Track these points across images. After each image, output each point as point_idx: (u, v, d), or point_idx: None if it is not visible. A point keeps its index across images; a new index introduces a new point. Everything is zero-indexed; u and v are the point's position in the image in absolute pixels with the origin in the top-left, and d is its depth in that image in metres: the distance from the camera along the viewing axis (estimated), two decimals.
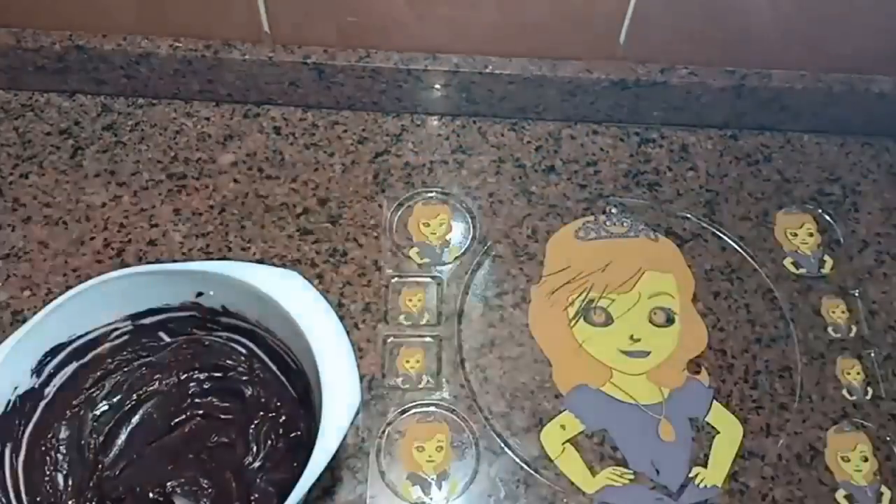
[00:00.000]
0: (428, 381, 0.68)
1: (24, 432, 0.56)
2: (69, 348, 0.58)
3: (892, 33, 0.77)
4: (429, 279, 0.73)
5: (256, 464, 0.61)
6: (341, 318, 0.56)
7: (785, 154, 0.84)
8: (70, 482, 0.59)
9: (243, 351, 0.63)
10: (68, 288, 0.70)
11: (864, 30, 0.77)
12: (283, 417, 0.62)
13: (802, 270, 0.76)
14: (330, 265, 0.73)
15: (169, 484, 0.58)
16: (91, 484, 0.59)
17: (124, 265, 0.72)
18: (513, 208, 0.78)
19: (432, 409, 0.67)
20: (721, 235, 0.77)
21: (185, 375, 0.64)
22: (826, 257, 0.77)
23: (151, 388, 0.63)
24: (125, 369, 0.62)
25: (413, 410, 0.67)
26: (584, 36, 0.78)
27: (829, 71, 0.81)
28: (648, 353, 0.71)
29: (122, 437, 0.62)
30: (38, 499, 0.56)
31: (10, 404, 0.54)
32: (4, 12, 0.77)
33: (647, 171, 0.81)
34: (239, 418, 0.63)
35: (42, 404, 0.58)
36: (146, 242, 0.74)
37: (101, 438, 0.61)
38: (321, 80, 0.80)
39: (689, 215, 0.78)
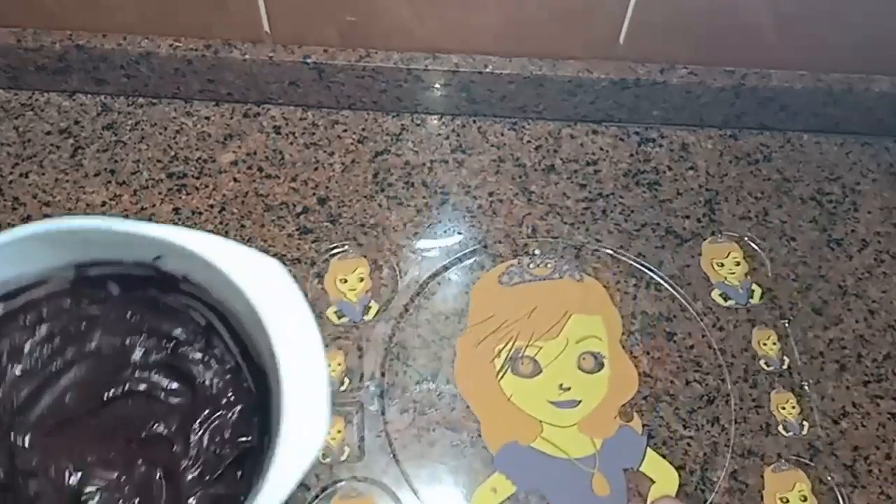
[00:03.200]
0: (349, 454, 0.64)
1: None
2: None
3: (892, 32, 0.78)
4: (348, 341, 0.69)
5: (195, 472, 0.51)
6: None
7: (785, 153, 0.84)
8: None
9: (202, 322, 0.55)
10: None
11: (863, 29, 0.77)
12: (234, 417, 0.53)
13: (731, 302, 0.74)
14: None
15: (87, 490, 0.50)
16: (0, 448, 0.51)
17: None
18: (512, 207, 0.78)
19: (356, 484, 0.63)
20: (645, 270, 0.75)
21: (130, 339, 0.55)
22: (754, 286, 0.75)
23: (88, 347, 0.54)
24: (62, 317, 0.54)
25: (336, 490, 0.63)
26: (584, 36, 0.78)
27: (828, 70, 0.81)
28: (579, 402, 0.68)
29: (45, 401, 0.53)
30: None
31: None
32: (5, 12, 0.77)
33: (647, 170, 0.81)
34: (183, 407, 0.54)
35: None
36: None
37: (20, 399, 0.52)
38: (321, 80, 0.80)
39: (688, 215, 0.78)
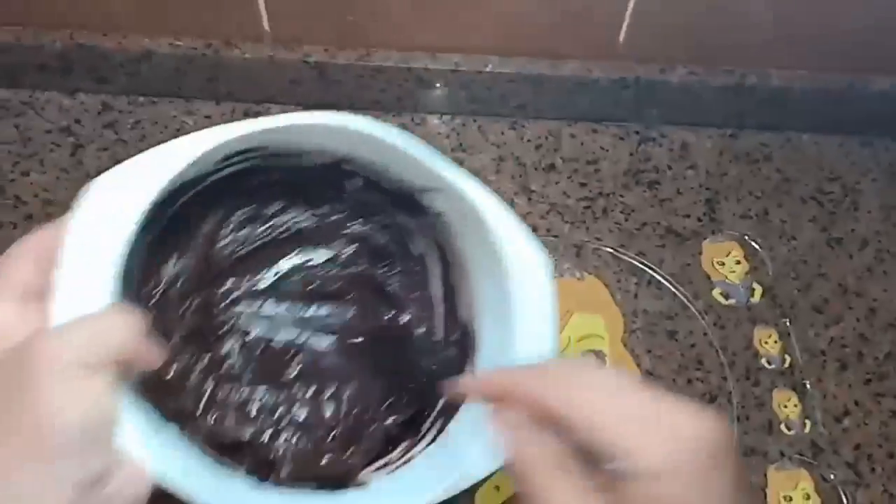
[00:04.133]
0: None
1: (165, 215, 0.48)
2: (264, 151, 0.49)
3: (892, 31, 0.78)
4: None
5: (383, 406, 0.52)
6: None
7: (785, 153, 0.84)
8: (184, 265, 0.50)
9: (416, 254, 0.54)
10: None
11: (863, 29, 0.77)
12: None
13: (732, 301, 0.74)
14: None
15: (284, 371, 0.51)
16: (205, 272, 0.51)
17: None
18: (513, 206, 0.78)
19: None
20: (646, 269, 0.75)
21: (346, 244, 0.54)
22: (755, 285, 0.75)
23: (308, 231, 0.54)
24: (293, 191, 0.53)
25: None
26: (584, 35, 0.78)
27: (828, 70, 0.81)
28: None
29: (253, 267, 0.53)
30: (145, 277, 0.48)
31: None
32: (5, 10, 0.77)
33: (647, 169, 0.81)
34: (384, 331, 0.54)
35: (200, 186, 0.49)
36: None
37: (232, 258, 0.53)
38: (321, 79, 0.80)
39: (689, 214, 0.78)
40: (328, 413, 0.52)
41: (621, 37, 0.78)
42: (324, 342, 0.54)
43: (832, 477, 0.65)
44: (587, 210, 0.78)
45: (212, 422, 0.50)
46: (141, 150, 0.78)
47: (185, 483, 0.38)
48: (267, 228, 0.53)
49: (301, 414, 0.52)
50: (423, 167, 0.47)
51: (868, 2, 0.75)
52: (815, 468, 0.66)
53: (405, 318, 0.54)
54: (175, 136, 0.79)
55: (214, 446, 0.48)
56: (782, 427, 0.68)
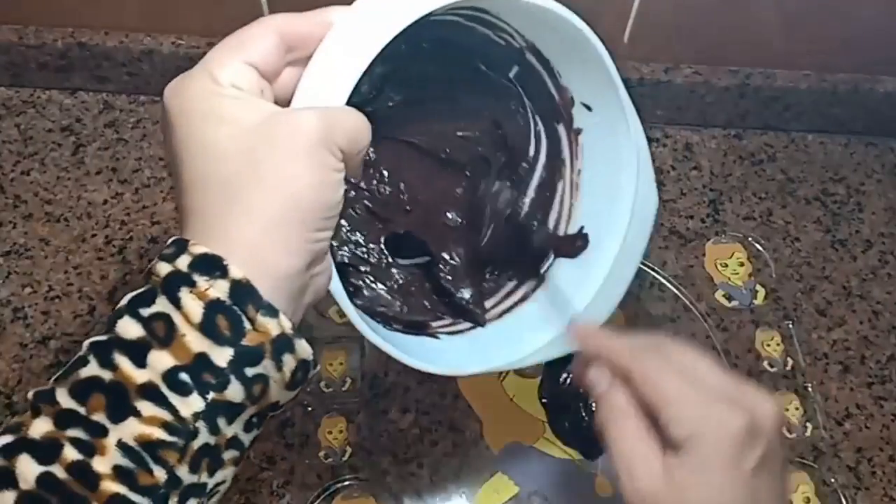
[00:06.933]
0: (351, 454, 0.64)
1: None
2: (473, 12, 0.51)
3: None
4: (351, 340, 0.69)
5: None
6: None
7: (789, 154, 0.84)
8: None
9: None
10: (69, 286, 0.70)
11: (868, 30, 0.76)
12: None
13: (735, 303, 0.73)
14: None
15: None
16: None
17: (125, 263, 0.72)
18: None
19: (358, 484, 0.63)
20: (649, 271, 0.74)
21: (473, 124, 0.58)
22: (758, 287, 0.74)
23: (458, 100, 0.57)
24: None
25: (339, 489, 0.63)
26: None
27: (833, 71, 0.80)
28: None
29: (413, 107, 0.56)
30: None
31: None
32: (7, 9, 0.77)
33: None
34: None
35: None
36: (147, 240, 0.74)
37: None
38: None
39: (692, 215, 0.78)
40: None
41: (626, 37, 0.78)
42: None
43: (833, 481, 0.65)
44: None
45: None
46: (142, 150, 0.79)
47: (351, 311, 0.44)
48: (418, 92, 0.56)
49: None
50: (601, 79, 0.51)
51: (874, 3, 0.74)
52: (816, 472, 0.66)
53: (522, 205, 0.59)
54: None
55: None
56: (783, 430, 0.67)
